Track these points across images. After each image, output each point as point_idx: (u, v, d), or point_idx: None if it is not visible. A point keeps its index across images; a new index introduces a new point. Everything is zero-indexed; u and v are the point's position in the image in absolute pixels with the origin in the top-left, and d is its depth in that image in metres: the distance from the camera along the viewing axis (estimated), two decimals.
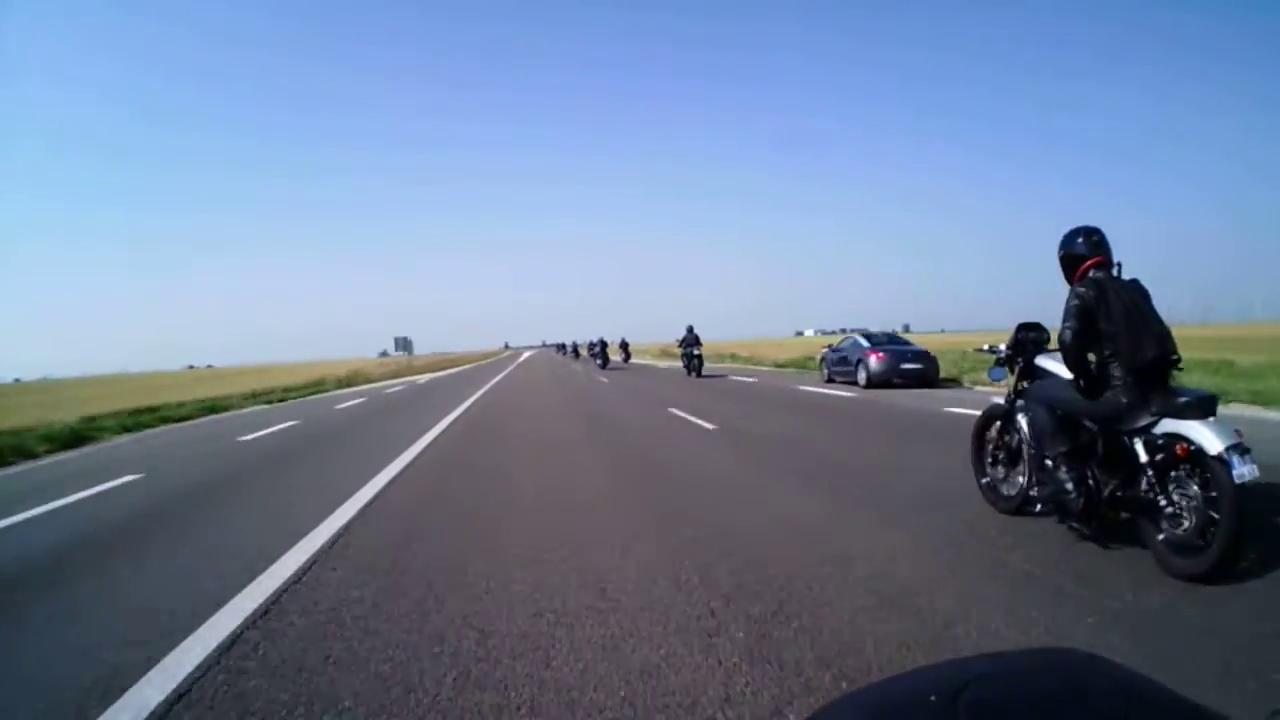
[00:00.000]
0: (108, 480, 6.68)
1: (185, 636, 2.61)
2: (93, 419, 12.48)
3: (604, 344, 27.60)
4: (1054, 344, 3.54)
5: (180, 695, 2.16)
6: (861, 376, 13.78)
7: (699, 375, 18.71)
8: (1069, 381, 3.21)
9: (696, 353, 19.10)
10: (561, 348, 56.04)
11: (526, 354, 72.92)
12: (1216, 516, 2.63)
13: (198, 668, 2.34)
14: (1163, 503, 2.86)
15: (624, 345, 31.38)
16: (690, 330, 19.80)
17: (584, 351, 47.32)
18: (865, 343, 14.43)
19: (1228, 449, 2.61)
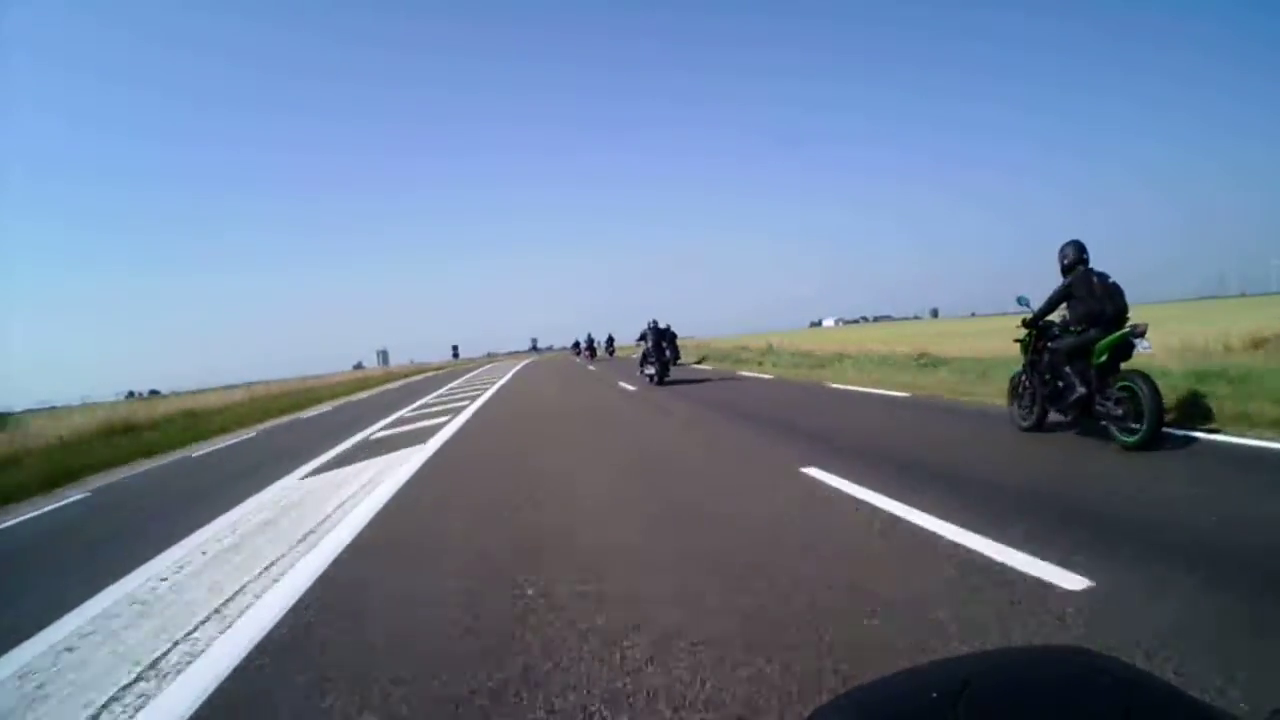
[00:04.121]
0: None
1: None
2: None
3: (659, 334, 15.50)
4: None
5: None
6: None
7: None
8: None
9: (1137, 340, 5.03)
10: (576, 347, 43.06)
11: (478, 385, 19.09)
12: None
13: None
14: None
15: (670, 337, 17.30)
16: (1079, 251, 5.39)
17: (601, 350, 36.59)
18: None
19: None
